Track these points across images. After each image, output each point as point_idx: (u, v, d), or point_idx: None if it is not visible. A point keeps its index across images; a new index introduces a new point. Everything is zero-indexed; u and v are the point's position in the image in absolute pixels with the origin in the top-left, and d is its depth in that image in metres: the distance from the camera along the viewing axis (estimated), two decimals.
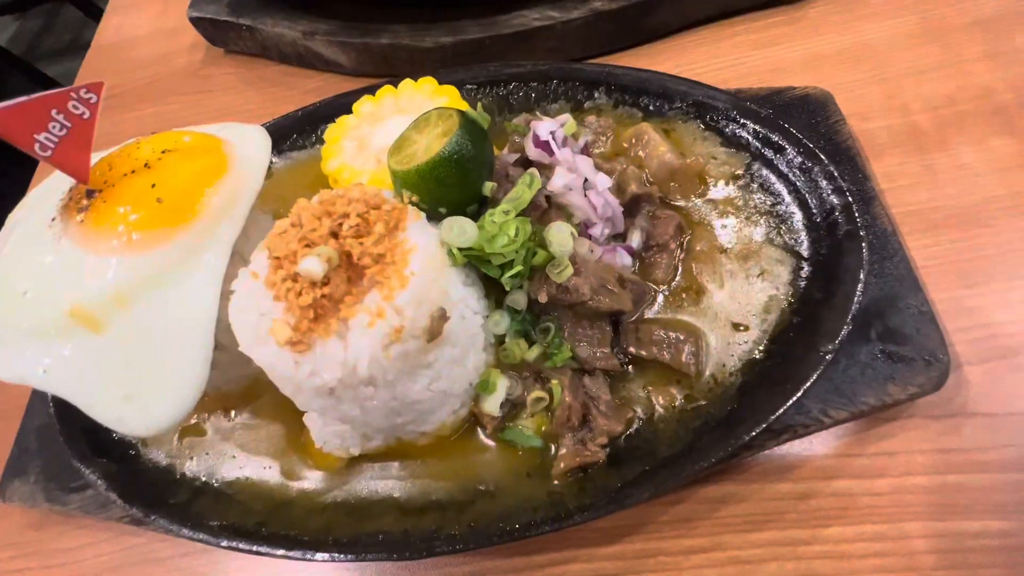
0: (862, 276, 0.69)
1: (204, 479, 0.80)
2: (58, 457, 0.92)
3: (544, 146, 0.75)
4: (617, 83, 0.93)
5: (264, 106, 1.46)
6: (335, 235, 0.60)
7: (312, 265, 0.56)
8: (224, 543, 0.70)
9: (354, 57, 1.29)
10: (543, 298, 0.69)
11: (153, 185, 0.65)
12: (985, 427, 0.73)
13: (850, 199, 0.74)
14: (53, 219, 0.68)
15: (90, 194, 0.65)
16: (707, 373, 0.71)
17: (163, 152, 0.68)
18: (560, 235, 0.68)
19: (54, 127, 0.60)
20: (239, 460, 0.81)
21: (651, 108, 0.91)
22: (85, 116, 0.62)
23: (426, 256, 0.62)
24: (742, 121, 0.85)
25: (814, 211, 0.77)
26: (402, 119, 0.89)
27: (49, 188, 0.79)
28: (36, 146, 0.59)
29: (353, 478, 0.75)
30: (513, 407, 0.72)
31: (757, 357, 0.71)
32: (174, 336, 0.64)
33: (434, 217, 0.69)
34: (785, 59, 1.10)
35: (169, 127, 1.45)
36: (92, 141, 0.64)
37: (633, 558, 0.74)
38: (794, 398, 0.63)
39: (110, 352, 0.63)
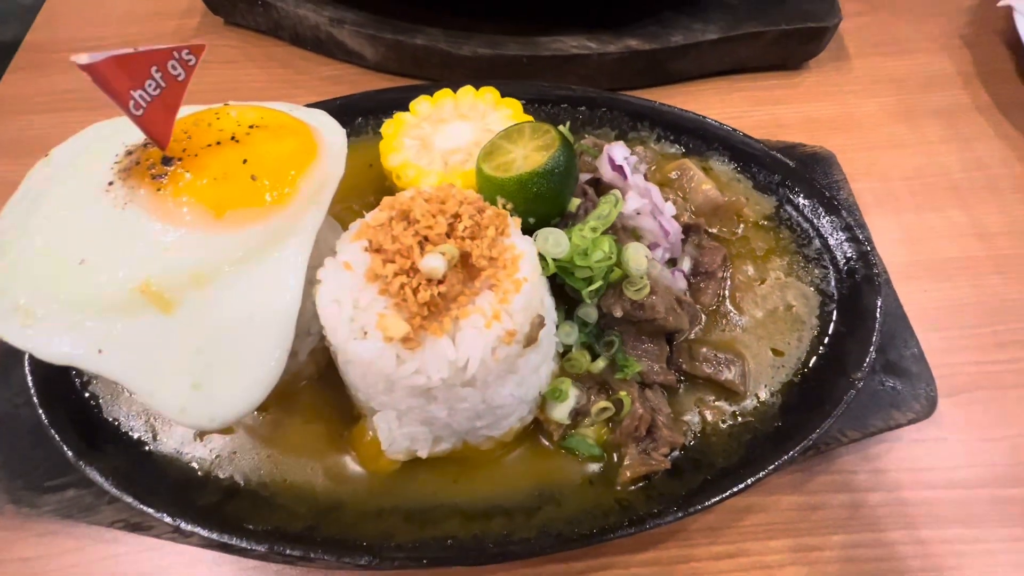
0: (879, 316, 0.80)
1: (236, 479, 0.74)
2: (24, 452, 0.80)
3: (619, 170, 0.80)
4: (662, 119, 1.00)
5: (270, 86, 1.38)
6: (449, 234, 0.60)
7: (436, 263, 0.56)
8: (272, 549, 0.65)
9: (382, 52, 1.27)
10: (618, 313, 0.73)
11: (245, 161, 0.61)
12: (956, 450, 0.87)
13: (867, 248, 0.86)
14: (111, 183, 0.61)
15: (167, 162, 0.60)
16: (752, 392, 0.78)
17: (250, 127, 0.64)
18: (638, 255, 0.72)
19: (150, 85, 0.55)
20: (274, 460, 0.76)
21: (691, 146, 1.00)
22: (180, 78, 0.58)
23: (531, 263, 0.63)
24: (772, 169, 0.95)
25: (836, 255, 0.88)
26: (464, 124, 0.90)
27: (80, 148, 0.71)
28: (131, 103, 0.54)
29: (405, 482, 0.74)
30: (576, 416, 0.75)
31: (795, 380, 0.79)
32: (252, 323, 0.60)
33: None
34: (786, 117, 1.25)
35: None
36: (180, 105, 0.59)
37: (668, 564, 0.78)
38: (832, 418, 0.72)
39: (180, 335, 0.58)
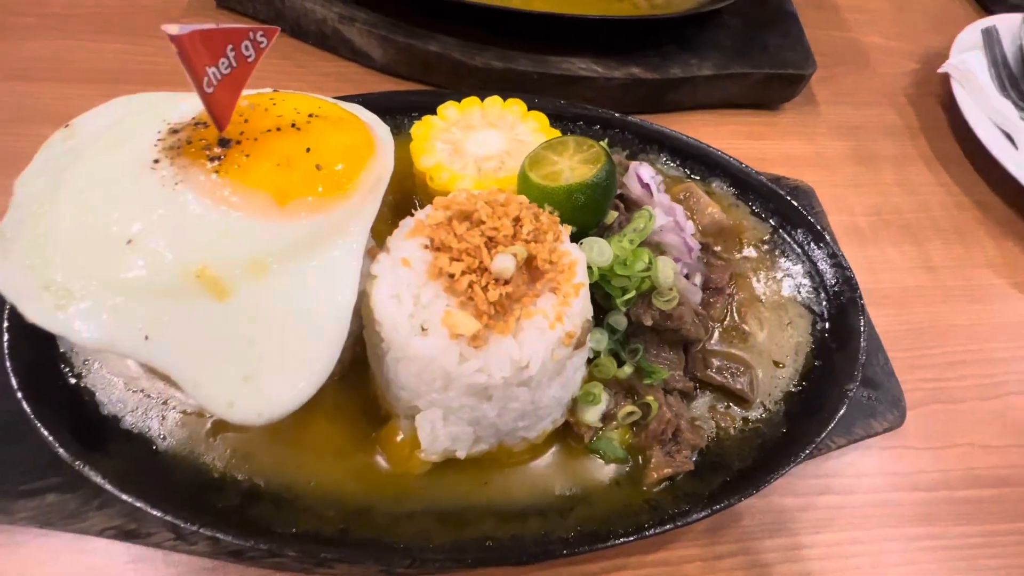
0: (863, 335, 0.89)
1: (256, 481, 0.70)
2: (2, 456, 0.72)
3: (646, 188, 0.84)
4: (669, 144, 1.07)
5: (265, 76, 1.29)
6: (514, 236, 0.61)
7: (507, 263, 0.57)
8: (306, 551, 0.62)
9: (391, 55, 1.27)
10: (648, 322, 0.77)
11: (308, 150, 0.59)
12: (918, 457, 0.98)
13: (850, 273, 0.95)
14: (156, 161, 0.58)
15: (225, 144, 0.58)
16: (759, 400, 0.84)
17: (310, 116, 0.63)
18: (667, 268, 0.77)
19: (223, 63, 0.53)
20: (297, 461, 0.72)
21: (694, 171, 1.07)
22: (250, 59, 0.56)
23: (583, 269, 0.66)
24: (768, 198, 1.04)
25: (825, 279, 0.97)
26: (494, 133, 0.92)
27: (107, 121, 0.66)
28: (205, 80, 0.52)
29: (435, 484, 0.73)
30: (603, 419, 0.78)
31: (794, 390, 0.87)
32: (307, 316, 0.58)
33: None
34: (768, 152, 1.36)
35: (138, 70, 1.26)
36: (244, 87, 0.57)
37: (678, 563, 0.82)
38: (831, 424, 0.79)
39: (234, 325, 0.55)
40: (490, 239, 0.60)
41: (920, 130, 1.48)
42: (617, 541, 0.67)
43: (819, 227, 1.00)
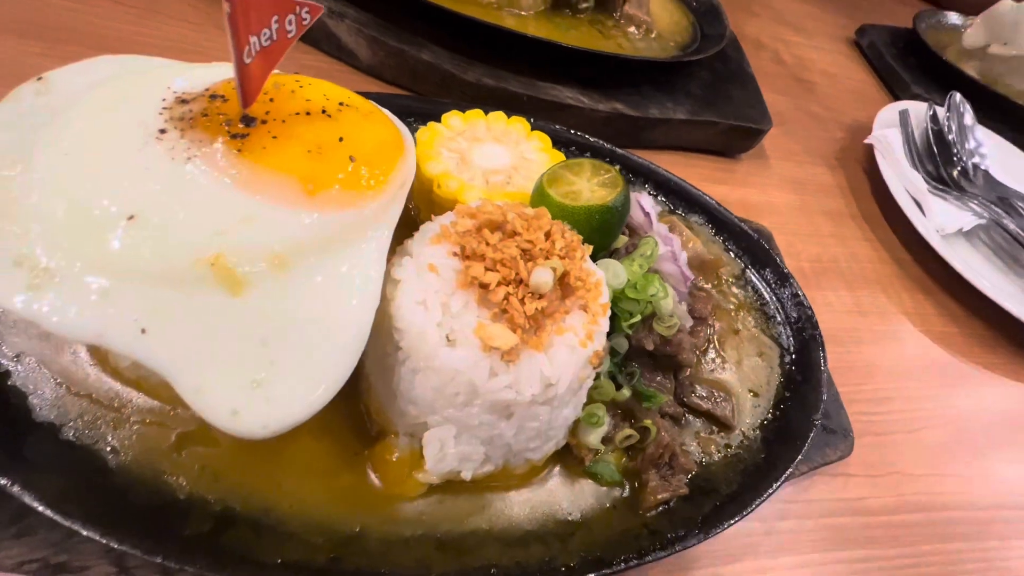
0: (824, 368, 0.97)
1: (230, 504, 0.61)
2: None
3: (647, 216, 0.87)
4: (654, 178, 1.12)
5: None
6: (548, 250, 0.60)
7: (546, 277, 0.56)
8: None
9: (379, 57, 1.23)
10: (649, 346, 0.78)
11: (341, 139, 0.55)
12: (859, 484, 1.07)
13: (810, 312, 1.04)
14: (163, 131, 0.51)
15: (249, 121, 0.52)
16: (739, 427, 0.88)
17: (340, 104, 0.58)
18: (668, 295, 0.79)
19: (265, 34, 0.48)
20: (277, 481, 0.65)
21: (676, 208, 1.13)
22: (290, 35, 0.52)
23: (607, 289, 0.66)
24: (740, 237, 1.12)
25: (789, 316, 1.05)
26: (499, 148, 0.91)
27: (88, 79, 0.57)
28: (246, 49, 0.47)
29: (431, 508, 0.68)
30: (603, 442, 0.77)
31: (768, 419, 0.92)
32: (327, 318, 0.53)
33: None
34: (728, 196, 1.47)
35: (97, 44, 1.13)
36: (277, 65, 0.53)
37: None
38: (803, 451, 0.84)
39: (246, 323, 0.49)
40: (524, 251, 0.59)
41: (849, 190, 1.67)
42: (622, 567, 0.66)
43: (784, 268, 1.09)
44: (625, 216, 0.76)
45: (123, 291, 0.45)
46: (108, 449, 0.61)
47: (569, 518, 0.72)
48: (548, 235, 0.62)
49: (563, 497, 0.74)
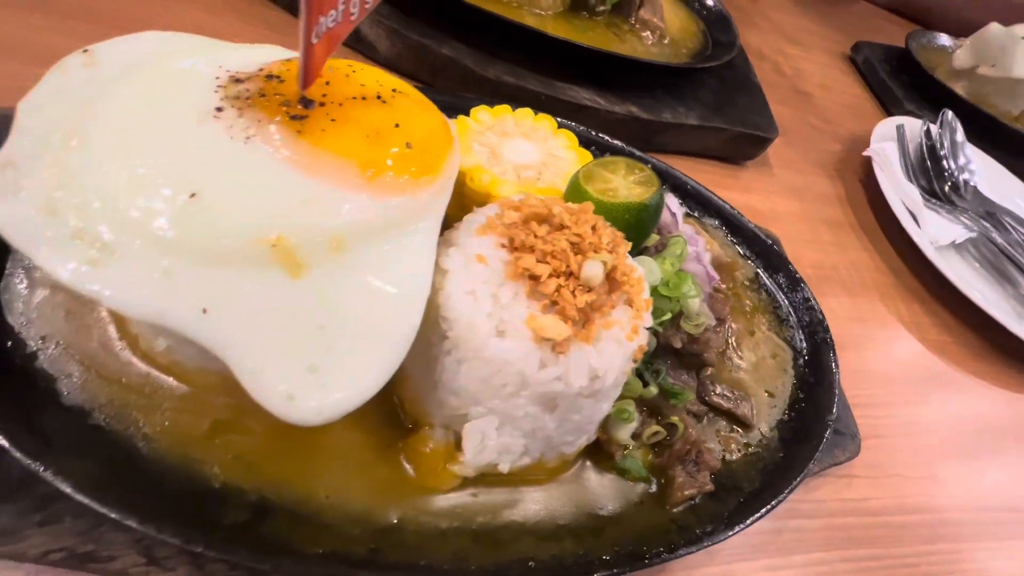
0: (836, 370, 0.99)
1: (266, 494, 0.60)
2: None
3: (673, 217, 0.89)
4: (673, 182, 1.14)
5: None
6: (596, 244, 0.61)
7: (597, 270, 0.57)
8: (336, 574, 0.54)
9: (399, 50, 1.22)
10: (677, 344, 0.79)
11: (397, 125, 0.55)
12: (863, 486, 1.10)
13: (821, 316, 1.07)
14: (220, 109, 0.50)
15: (308, 103, 0.51)
16: (757, 426, 0.90)
17: (393, 91, 0.58)
18: (699, 294, 0.81)
19: (332, 15, 0.48)
20: (312, 472, 0.63)
21: (693, 211, 1.15)
22: (353, 17, 0.51)
23: (647, 285, 0.67)
24: (753, 242, 1.14)
25: (801, 319, 1.07)
26: (528, 143, 0.91)
27: (136, 54, 0.56)
28: (315, 29, 0.46)
29: (464, 501, 0.68)
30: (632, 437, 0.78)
31: (784, 419, 0.93)
32: (382, 303, 0.52)
33: None
34: (734, 202, 1.49)
35: (109, 22, 1.09)
36: (337, 47, 0.52)
37: None
38: (819, 450, 0.86)
39: (305, 306, 0.48)
40: (573, 244, 0.59)
41: (847, 200, 1.72)
42: (655, 561, 0.67)
43: (796, 273, 1.11)
44: (659, 215, 0.77)
45: (185, 270, 0.44)
46: (140, 436, 0.60)
47: (599, 512, 0.72)
48: (595, 228, 0.62)
49: (593, 492, 0.74)
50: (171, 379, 0.62)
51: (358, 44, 1.25)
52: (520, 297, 0.57)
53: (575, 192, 0.76)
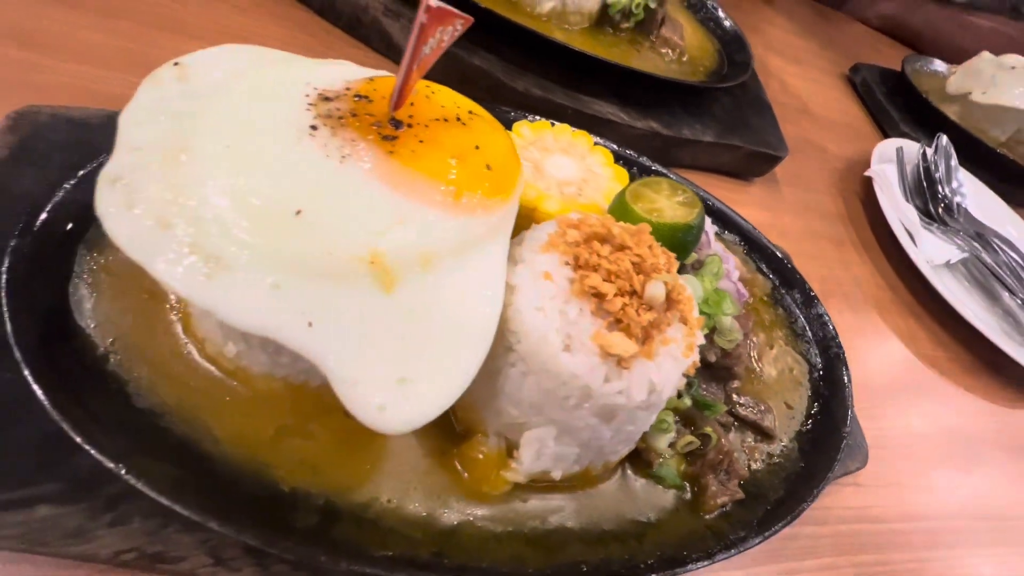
0: (848, 386, 1.04)
1: (329, 498, 0.62)
2: None
3: (706, 235, 0.92)
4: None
5: (291, 51, 1.22)
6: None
7: (660, 291, 0.60)
8: None
9: None
10: (712, 358, 0.83)
11: (477, 147, 0.57)
12: (867, 493, 1.15)
13: (834, 331, 1.12)
14: (314, 128, 0.52)
15: (398, 124, 0.54)
16: (779, 437, 0.94)
17: (469, 112, 0.60)
18: (737, 311, 0.85)
19: (431, 43, 0.50)
20: (370, 476, 0.65)
21: (716, 227, 1.19)
22: (442, 43, 0.53)
23: (696, 303, 0.70)
24: (770, 259, 1.19)
25: (815, 334, 1.12)
26: (567, 160, 0.95)
27: (223, 69, 0.57)
28: (419, 56, 0.48)
29: (515, 505, 0.70)
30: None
31: (803, 430, 0.98)
32: (461, 317, 0.54)
33: None
34: (745, 217, 1.55)
35: (150, 21, 1.09)
36: (426, 70, 0.54)
37: None
38: (837, 461, 0.91)
39: (395, 320, 0.50)
40: (635, 264, 0.62)
41: (848, 218, 1.78)
42: (696, 567, 0.70)
43: (810, 291, 1.16)
44: (700, 235, 0.81)
45: (292, 284, 0.45)
46: (209, 439, 0.61)
47: (640, 518, 0.76)
48: (650, 249, 0.66)
49: (632, 498, 0.77)
50: (237, 383, 0.64)
51: (388, 51, 1.26)
52: (585, 314, 0.60)
53: (622, 211, 0.79)
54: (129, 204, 0.44)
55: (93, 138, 0.81)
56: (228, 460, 0.60)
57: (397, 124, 0.53)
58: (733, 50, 1.66)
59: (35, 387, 0.54)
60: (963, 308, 1.50)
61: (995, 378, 1.54)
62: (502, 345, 0.62)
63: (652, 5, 1.39)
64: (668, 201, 0.80)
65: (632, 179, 1.05)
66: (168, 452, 0.59)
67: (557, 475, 0.68)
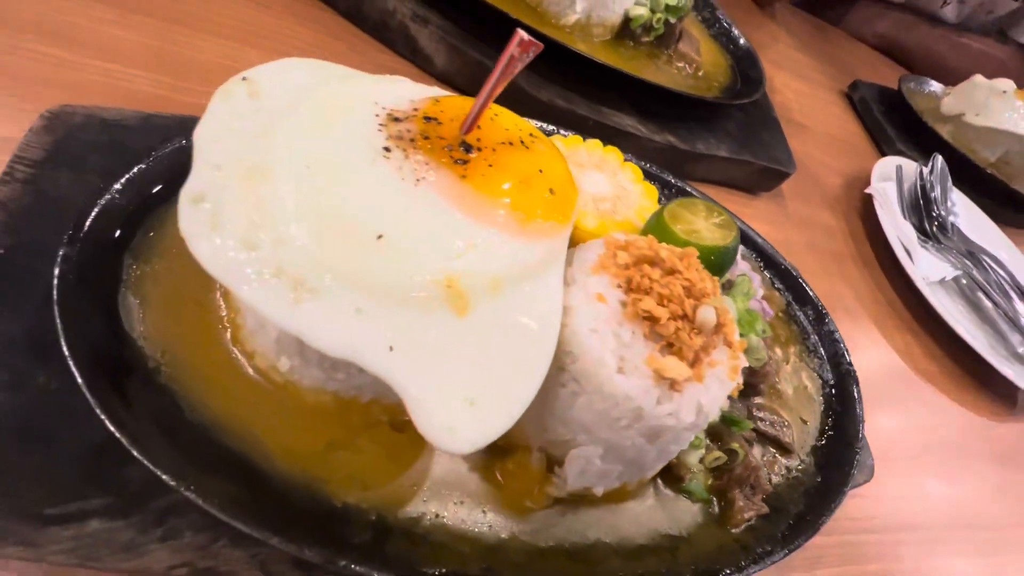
0: (859, 401, 1.08)
1: (381, 514, 0.62)
2: (10, 462, 0.55)
3: None
4: None
5: (316, 53, 1.20)
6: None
7: (712, 315, 0.61)
8: None
9: (456, 66, 1.24)
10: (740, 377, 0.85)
11: (541, 171, 0.58)
12: (868, 504, 1.20)
13: (844, 347, 1.16)
14: (388, 149, 0.52)
15: (468, 148, 0.54)
16: (797, 451, 0.97)
17: (531, 135, 0.61)
18: (768, 331, 0.87)
19: (508, 68, 0.51)
20: (417, 491, 0.66)
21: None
22: (515, 70, 0.54)
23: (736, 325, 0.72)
24: (783, 274, 1.22)
25: (827, 350, 1.16)
26: (599, 175, 0.96)
27: (287, 84, 0.57)
28: (501, 85, 0.49)
29: (555, 520, 0.72)
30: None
31: (818, 445, 1.01)
32: (523, 340, 0.55)
33: None
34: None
35: (168, 16, 1.07)
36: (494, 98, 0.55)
37: None
38: (851, 475, 0.95)
39: (466, 343, 0.51)
40: (685, 288, 0.64)
41: (849, 234, 1.84)
42: None
43: (822, 308, 1.20)
44: (735, 256, 0.83)
45: (374, 308, 0.46)
46: (261, 453, 0.61)
47: (672, 532, 0.78)
48: (698, 273, 0.67)
49: (663, 512, 0.79)
50: (287, 396, 0.64)
51: (414, 56, 1.26)
52: (638, 336, 0.62)
53: (661, 231, 0.81)
54: (214, 225, 0.44)
55: (128, 140, 0.80)
56: (281, 474, 0.60)
57: (467, 148, 0.54)
58: (746, 66, 1.69)
59: (92, 400, 0.54)
60: (957, 325, 1.56)
61: (983, 391, 1.61)
62: (554, 365, 0.63)
63: (672, 20, 1.41)
64: (705, 223, 0.82)
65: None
66: (223, 467, 0.58)
67: (599, 491, 0.69)
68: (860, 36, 3.10)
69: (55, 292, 0.57)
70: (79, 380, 0.54)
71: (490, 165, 0.54)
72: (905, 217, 1.82)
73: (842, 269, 1.69)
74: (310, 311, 0.44)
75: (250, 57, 1.12)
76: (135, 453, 0.53)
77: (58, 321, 0.56)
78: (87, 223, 0.64)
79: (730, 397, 0.90)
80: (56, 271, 0.59)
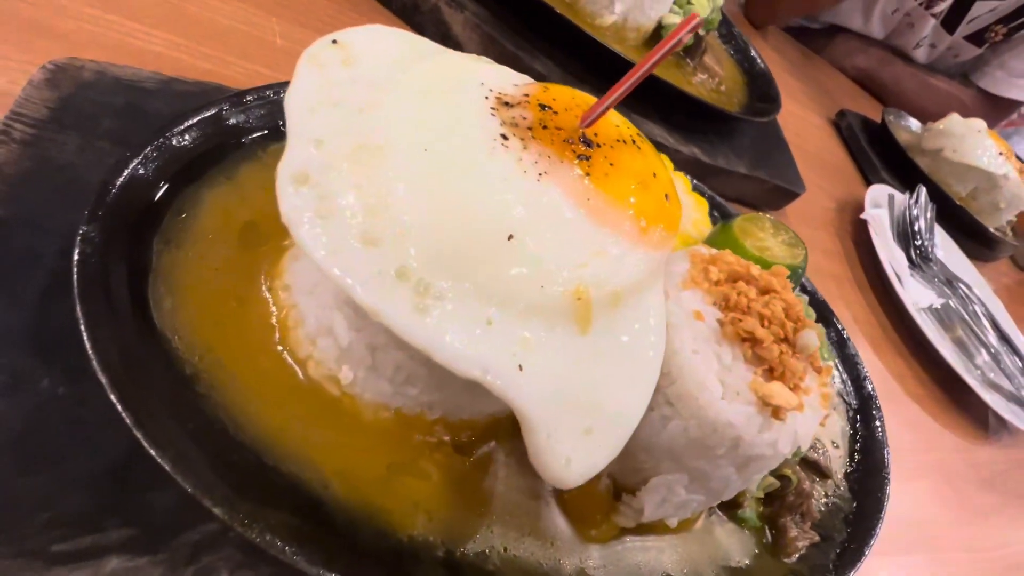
0: (881, 423, 1.09)
1: (449, 548, 0.55)
2: (7, 488, 0.45)
3: None
4: None
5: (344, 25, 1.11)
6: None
7: (814, 340, 0.58)
8: None
9: (492, 56, 1.17)
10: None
11: (655, 175, 0.53)
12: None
13: (865, 371, 1.16)
14: (505, 137, 0.45)
15: (588, 143, 0.48)
16: (833, 477, 0.96)
17: (638, 135, 0.56)
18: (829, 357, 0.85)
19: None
20: (484, 521, 0.59)
21: None
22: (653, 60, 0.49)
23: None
24: (812, 296, 1.22)
25: (850, 373, 1.16)
26: None
27: (379, 53, 0.50)
28: (647, 74, 0.43)
29: (615, 549, 0.66)
30: None
31: (848, 470, 1.01)
32: (632, 359, 0.50)
33: None
34: None
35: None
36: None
37: None
38: (885, 499, 0.94)
39: (587, 364, 0.44)
40: (783, 309, 0.60)
41: (845, 256, 1.88)
42: None
43: (843, 331, 1.20)
44: (803, 276, 0.80)
45: (503, 321, 0.39)
46: (319, 480, 0.52)
47: (731, 563, 0.74)
48: (792, 294, 0.64)
49: (720, 541, 0.75)
50: (343, 411, 0.55)
51: (444, 42, 1.17)
52: (739, 359, 0.57)
53: (733, 246, 0.77)
54: (324, 213, 0.36)
55: (147, 104, 0.70)
56: (340, 502, 0.52)
57: (588, 143, 0.48)
58: (761, 85, 1.70)
59: (124, 414, 0.44)
60: (943, 349, 1.62)
61: (967, 418, 1.68)
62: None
63: (701, 32, 1.39)
64: (774, 240, 0.79)
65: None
66: (275, 494, 0.50)
67: (674, 522, 0.65)
68: (841, 68, 3.23)
69: (75, 278, 0.47)
70: (108, 388, 0.44)
71: (611, 164, 0.48)
72: (896, 244, 1.88)
73: (841, 292, 1.73)
74: (439, 323, 0.37)
75: (271, 24, 1.02)
76: (179, 479, 0.43)
77: (79, 314, 0.46)
78: (109, 198, 0.53)
79: None
80: (76, 254, 0.48)
